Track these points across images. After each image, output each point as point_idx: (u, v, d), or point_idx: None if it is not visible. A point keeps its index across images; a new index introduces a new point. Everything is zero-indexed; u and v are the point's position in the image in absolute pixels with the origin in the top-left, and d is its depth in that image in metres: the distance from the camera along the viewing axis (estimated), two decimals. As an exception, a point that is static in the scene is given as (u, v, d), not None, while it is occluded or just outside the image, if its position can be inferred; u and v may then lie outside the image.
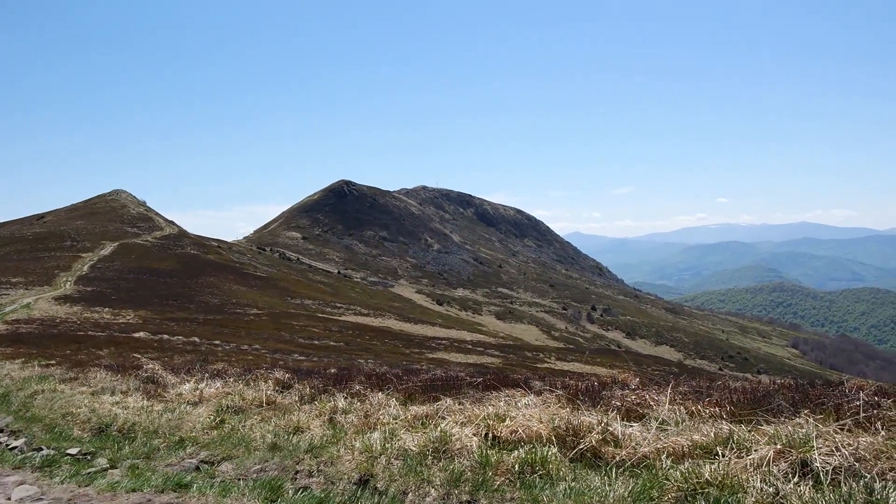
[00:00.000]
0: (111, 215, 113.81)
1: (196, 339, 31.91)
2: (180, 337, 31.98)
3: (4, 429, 8.75)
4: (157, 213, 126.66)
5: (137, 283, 61.34)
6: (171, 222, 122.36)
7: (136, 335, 30.99)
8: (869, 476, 3.91)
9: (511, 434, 5.58)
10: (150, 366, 12.72)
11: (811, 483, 3.98)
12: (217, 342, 31.68)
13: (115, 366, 13.65)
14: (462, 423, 5.97)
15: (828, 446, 4.28)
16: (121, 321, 38.89)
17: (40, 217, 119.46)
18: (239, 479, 5.55)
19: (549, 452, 5.04)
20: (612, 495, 4.24)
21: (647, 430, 5.25)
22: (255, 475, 5.62)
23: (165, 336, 31.78)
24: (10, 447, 7.56)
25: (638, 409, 6.00)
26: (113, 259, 74.94)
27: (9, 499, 5.40)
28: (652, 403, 6.04)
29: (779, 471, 4.16)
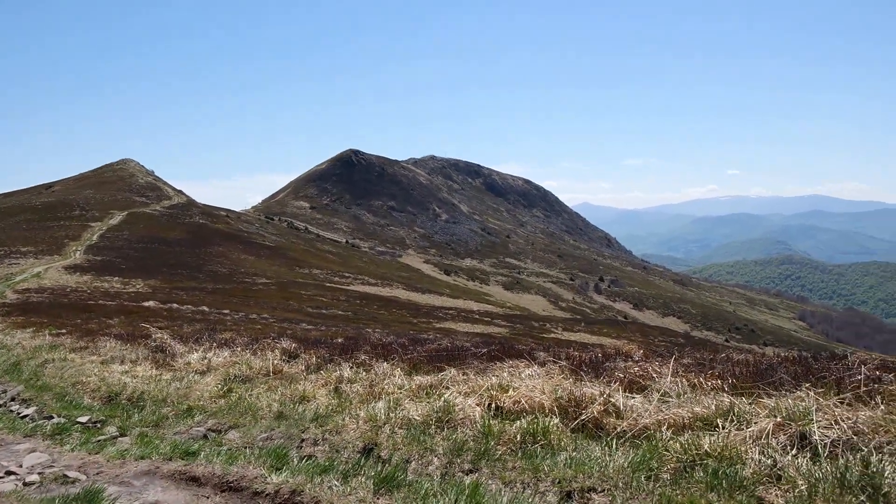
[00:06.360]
0: (120, 184, 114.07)
1: (205, 308, 32.16)
2: (189, 306, 32.23)
3: (16, 397, 8.90)
4: (166, 183, 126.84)
5: (146, 253, 61.68)
6: (180, 192, 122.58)
7: (146, 304, 31.25)
8: (866, 449, 3.94)
9: (514, 405, 5.63)
10: (159, 335, 12.85)
11: (809, 455, 4.02)
12: (226, 311, 31.93)
13: (125, 335, 13.81)
14: (466, 393, 6.03)
15: (827, 420, 4.31)
16: (130, 290, 39.21)
17: (49, 186, 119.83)
18: (245, 447, 5.64)
19: (551, 423, 5.09)
20: (611, 465, 4.29)
21: (649, 401, 5.29)
22: (261, 443, 5.71)
23: (174, 305, 32.03)
24: (21, 415, 7.69)
25: (640, 380, 6.05)
26: (122, 228, 75.27)
27: (20, 466, 5.50)
28: (654, 375, 6.09)
29: (777, 443, 4.20)
